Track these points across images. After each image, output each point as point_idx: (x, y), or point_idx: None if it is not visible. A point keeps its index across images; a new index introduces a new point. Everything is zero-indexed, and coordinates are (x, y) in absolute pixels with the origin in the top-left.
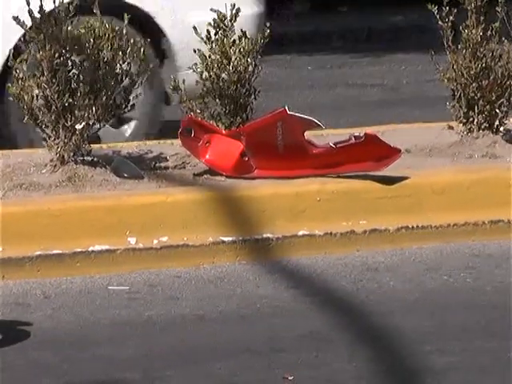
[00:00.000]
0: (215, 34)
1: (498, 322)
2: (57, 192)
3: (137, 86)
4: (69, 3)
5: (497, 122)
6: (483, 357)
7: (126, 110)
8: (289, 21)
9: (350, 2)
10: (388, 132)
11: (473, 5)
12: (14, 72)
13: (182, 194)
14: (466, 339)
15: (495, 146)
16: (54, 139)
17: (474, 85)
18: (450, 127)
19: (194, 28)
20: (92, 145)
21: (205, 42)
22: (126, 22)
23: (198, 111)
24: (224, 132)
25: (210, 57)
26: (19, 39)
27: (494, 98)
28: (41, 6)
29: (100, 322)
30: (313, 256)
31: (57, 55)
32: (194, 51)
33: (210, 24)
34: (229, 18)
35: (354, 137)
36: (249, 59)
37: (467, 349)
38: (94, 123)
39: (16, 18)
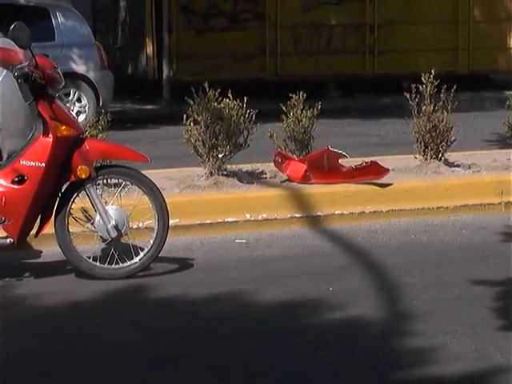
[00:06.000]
0: (292, 108)
1: (441, 259)
2: (208, 190)
3: (251, 134)
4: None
5: (440, 155)
6: (433, 279)
7: (245, 147)
8: (328, 100)
9: (362, 90)
10: (382, 160)
11: (428, 93)
12: (186, 127)
13: (274, 191)
14: (423, 268)
15: (439, 168)
16: (207, 162)
17: (427, 135)
18: (415, 157)
19: None
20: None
21: (285, 113)
22: (245, 100)
23: (283, 147)
24: (296, 159)
25: (288, 119)
26: (188, 109)
27: (438, 142)
28: (201, 91)
29: (230, 258)
30: (342, 225)
31: (208, 118)
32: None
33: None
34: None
35: (365, 162)
36: (309, 120)
37: (424, 274)
38: (228, 154)
39: (186, 100)
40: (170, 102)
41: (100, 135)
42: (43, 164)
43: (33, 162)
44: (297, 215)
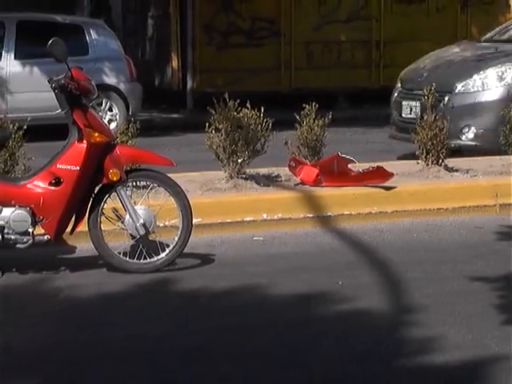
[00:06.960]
0: (305, 118)
1: (441, 257)
2: (228, 192)
3: (268, 141)
4: (234, 102)
5: (440, 161)
6: (434, 274)
7: (262, 153)
8: (338, 110)
9: (369, 101)
10: (387, 165)
11: (429, 104)
12: (208, 134)
13: (289, 193)
14: (425, 265)
15: (439, 172)
16: (227, 166)
17: (429, 143)
18: (417, 163)
19: None
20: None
21: (299, 122)
22: (262, 110)
23: (296, 153)
24: (309, 164)
25: (302, 127)
26: (210, 118)
27: (439, 148)
28: (222, 101)
29: (247, 254)
30: (351, 224)
31: (229, 126)
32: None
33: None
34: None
35: (371, 167)
36: (321, 129)
37: (425, 270)
38: (246, 159)
39: (208, 109)
40: (193, 111)
41: (129, 141)
42: (78, 167)
43: (68, 165)
44: (309, 215)
